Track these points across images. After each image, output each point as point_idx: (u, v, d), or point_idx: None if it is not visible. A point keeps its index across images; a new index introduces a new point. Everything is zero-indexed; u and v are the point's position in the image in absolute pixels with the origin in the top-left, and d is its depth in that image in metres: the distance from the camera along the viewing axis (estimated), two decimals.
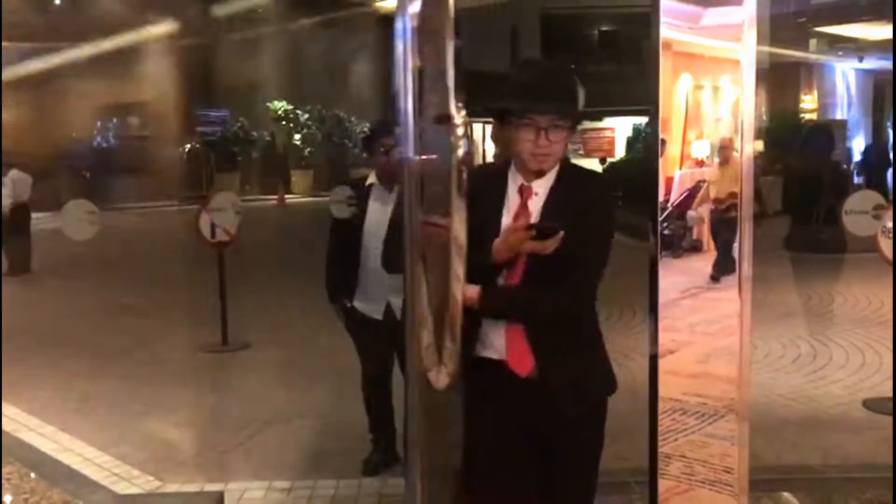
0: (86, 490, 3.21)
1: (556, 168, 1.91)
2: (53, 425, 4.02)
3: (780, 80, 22.57)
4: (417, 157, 1.62)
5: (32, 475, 3.33)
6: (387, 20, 25.73)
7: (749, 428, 2.41)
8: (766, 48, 18.59)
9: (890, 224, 3.91)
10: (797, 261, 7.86)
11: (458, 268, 1.72)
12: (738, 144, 2.38)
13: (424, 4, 1.58)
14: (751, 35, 2.30)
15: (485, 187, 1.91)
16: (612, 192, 2.16)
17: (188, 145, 19.10)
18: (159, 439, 3.84)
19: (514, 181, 1.93)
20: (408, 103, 1.59)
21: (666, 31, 2.31)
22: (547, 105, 1.84)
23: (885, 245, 3.96)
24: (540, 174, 1.89)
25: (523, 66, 2.09)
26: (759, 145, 17.07)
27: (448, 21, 1.63)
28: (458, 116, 1.64)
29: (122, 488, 3.28)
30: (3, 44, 16.96)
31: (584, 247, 1.86)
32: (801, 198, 7.32)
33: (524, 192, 1.91)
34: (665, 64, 2.31)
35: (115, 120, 19.76)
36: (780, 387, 4.44)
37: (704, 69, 2.45)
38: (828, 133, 8.56)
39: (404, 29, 1.61)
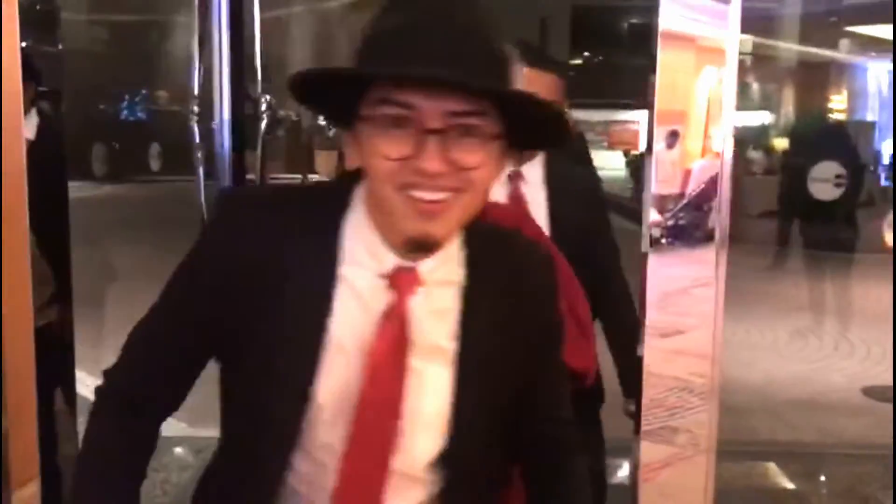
0: None
1: (467, 238, 0.90)
2: (94, 376, 4.26)
3: (808, 79, 22.47)
4: None
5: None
6: None
7: (746, 407, 2.48)
8: (796, 46, 18.57)
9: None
10: (812, 257, 7.96)
11: None
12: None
13: None
14: (735, 21, 2.34)
15: (256, 268, 0.87)
16: None
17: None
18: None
19: (366, 255, 0.88)
20: None
21: (690, 26, 2.43)
22: (441, 67, 0.77)
23: (889, 237, 4.12)
24: (427, 247, 0.85)
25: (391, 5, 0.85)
26: (784, 143, 17.10)
27: None
28: None
29: None
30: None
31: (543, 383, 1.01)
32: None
33: (400, 283, 0.87)
34: (688, 57, 2.46)
35: (143, 92, 20.00)
36: (784, 373, 4.60)
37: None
38: (841, 134, 8.65)
39: None
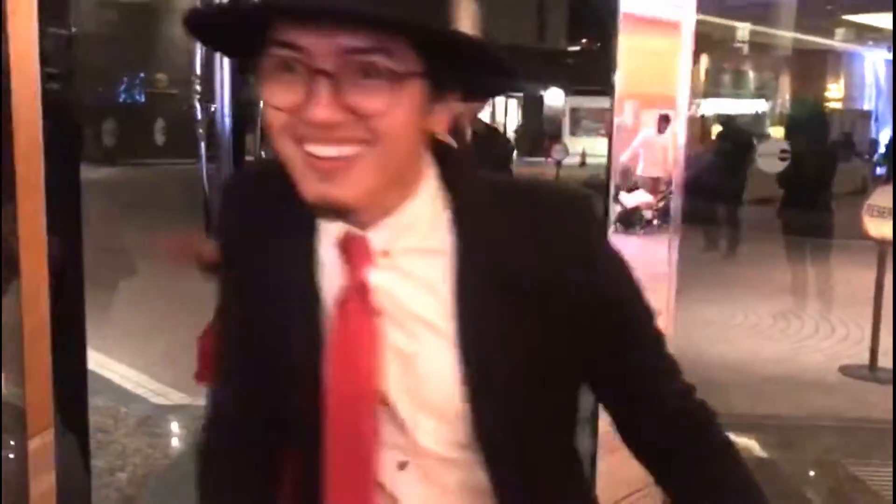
0: (126, 400, 3.60)
1: (431, 185, 0.78)
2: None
3: (805, 67, 22.56)
4: None
5: None
6: None
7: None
8: (792, 34, 18.64)
9: (874, 202, 4.21)
10: (794, 244, 8.11)
11: None
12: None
13: None
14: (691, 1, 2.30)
15: (253, 231, 0.84)
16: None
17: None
18: (187, 362, 4.22)
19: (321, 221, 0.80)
20: None
21: (688, 11, 2.47)
22: None
23: (869, 223, 4.26)
24: (334, 213, 0.74)
25: None
26: (780, 132, 17.20)
27: None
28: None
29: (158, 402, 3.66)
30: None
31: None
32: (801, 184, 7.61)
33: (351, 253, 0.78)
34: (687, 44, 2.54)
35: (142, 75, 19.99)
36: (765, 351, 4.75)
37: (726, 51, 2.67)
38: (820, 120, 8.88)
39: None
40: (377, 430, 0.79)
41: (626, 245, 2.44)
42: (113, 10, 18.08)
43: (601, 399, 0.86)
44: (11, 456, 1.71)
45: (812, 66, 22.92)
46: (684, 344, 4.65)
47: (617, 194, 2.48)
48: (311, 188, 0.70)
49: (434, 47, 0.68)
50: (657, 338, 0.85)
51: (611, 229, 2.41)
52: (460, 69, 0.71)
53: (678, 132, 2.44)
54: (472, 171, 0.81)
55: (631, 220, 2.67)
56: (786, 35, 18.35)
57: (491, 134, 3.23)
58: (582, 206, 0.81)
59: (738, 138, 8.44)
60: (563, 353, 0.79)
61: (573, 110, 30.86)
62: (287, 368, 0.80)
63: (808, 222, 7.31)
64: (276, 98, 0.69)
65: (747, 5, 14.57)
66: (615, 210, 2.48)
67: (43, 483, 1.68)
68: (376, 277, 0.77)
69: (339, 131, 0.68)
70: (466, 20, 0.94)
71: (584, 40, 29.51)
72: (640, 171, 3.06)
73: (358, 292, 0.77)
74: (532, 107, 27.32)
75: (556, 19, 27.20)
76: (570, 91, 29.17)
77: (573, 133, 30.20)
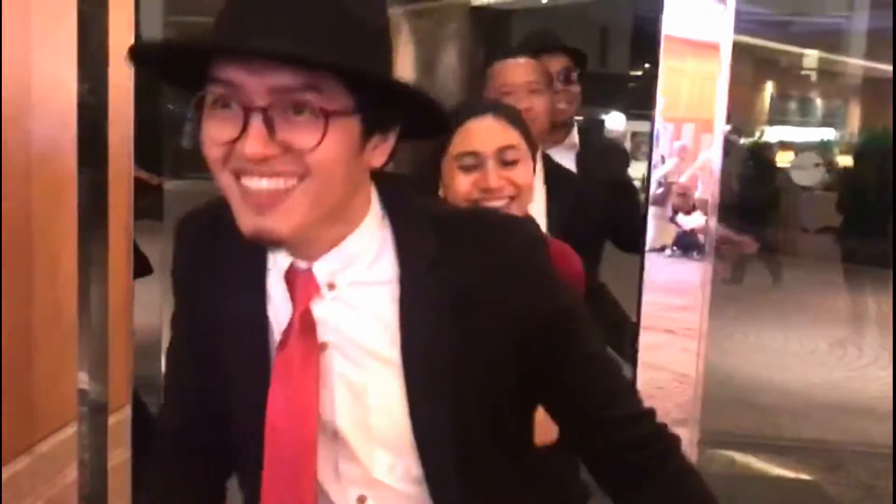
0: None
1: (373, 221, 0.81)
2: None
3: (873, 94, 21.99)
4: None
5: None
6: (477, 12, 25.90)
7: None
8: (861, 62, 18.25)
9: None
10: (853, 272, 7.95)
11: None
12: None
13: None
14: (729, 16, 2.37)
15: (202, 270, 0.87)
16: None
17: None
18: None
19: (271, 254, 0.84)
20: None
21: (726, 33, 2.52)
22: (262, 36, 0.70)
23: None
24: (270, 245, 0.80)
25: None
26: (849, 160, 16.81)
27: None
28: None
29: None
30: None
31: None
32: (861, 211, 7.43)
33: (297, 286, 0.81)
34: (744, 69, 2.56)
35: None
36: (820, 378, 4.71)
37: (791, 80, 2.70)
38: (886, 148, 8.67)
39: None
40: (314, 465, 0.80)
41: (682, 269, 2.46)
42: (183, 29, 18.65)
43: (556, 423, 0.87)
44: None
45: (880, 94, 22.33)
46: (737, 368, 4.67)
47: (674, 217, 2.50)
48: (248, 221, 0.73)
49: (364, 86, 0.72)
50: (607, 361, 0.86)
51: (665, 253, 2.42)
52: (392, 107, 0.75)
53: (714, 156, 2.45)
54: (415, 201, 0.83)
55: (689, 243, 2.72)
56: (855, 63, 17.98)
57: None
58: (524, 232, 0.83)
59: (762, 162, 8.30)
60: (509, 378, 0.81)
61: (634, 134, 30.72)
62: (234, 401, 0.83)
63: (869, 250, 7.20)
64: (214, 132, 0.72)
65: (815, 32, 14.37)
66: (663, 233, 2.49)
67: (118, 456, 1.84)
68: (322, 310, 0.80)
69: (273, 165, 0.71)
70: (403, 61, 1.02)
71: (646, 65, 29.33)
72: (699, 193, 3.10)
73: (301, 324, 0.79)
74: (593, 131, 27.22)
75: (619, 44, 27.10)
76: (631, 115, 29.07)
77: (633, 157, 30.03)
